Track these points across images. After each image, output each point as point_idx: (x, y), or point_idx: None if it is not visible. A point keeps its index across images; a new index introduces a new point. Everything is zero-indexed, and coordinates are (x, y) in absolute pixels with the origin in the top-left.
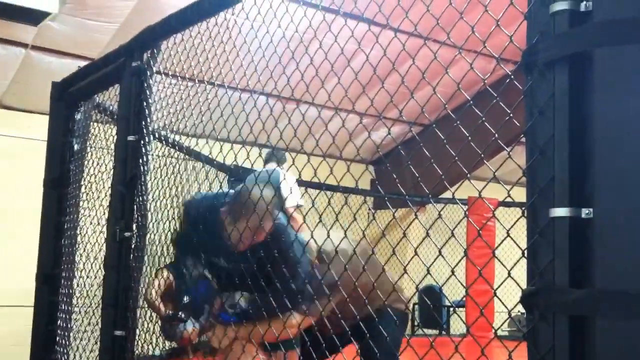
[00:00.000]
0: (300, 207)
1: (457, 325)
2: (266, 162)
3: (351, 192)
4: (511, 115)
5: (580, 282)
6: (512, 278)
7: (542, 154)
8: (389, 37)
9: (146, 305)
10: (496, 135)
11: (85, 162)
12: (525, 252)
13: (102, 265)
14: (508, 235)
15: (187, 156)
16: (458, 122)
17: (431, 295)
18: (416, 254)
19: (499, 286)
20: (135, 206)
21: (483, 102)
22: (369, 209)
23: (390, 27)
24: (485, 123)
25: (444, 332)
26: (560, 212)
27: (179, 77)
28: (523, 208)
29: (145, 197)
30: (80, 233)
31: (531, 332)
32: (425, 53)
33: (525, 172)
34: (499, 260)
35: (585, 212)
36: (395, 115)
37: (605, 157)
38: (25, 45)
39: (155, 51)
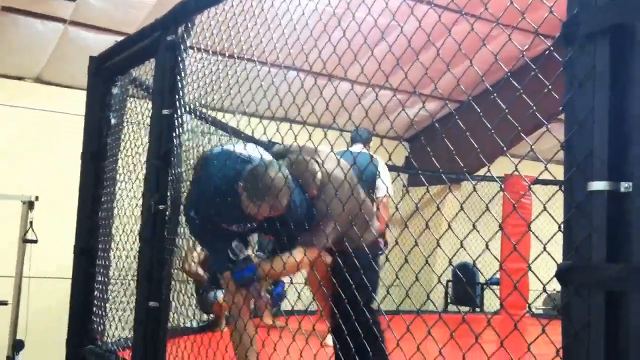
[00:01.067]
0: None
1: (490, 303)
2: (353, 142)
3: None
4: (550, 88)
5: (617, 258)
6: (548, 253)
7: (581, 127)
8: (423, 11)
9: (184, 276)
10: (534, 107)
11: (122, 136)
12: (562, 226)
13: (137, 238)
14: (544, 209)
15: (223, 132)
16: (495, 95)
17: (465, 273)
18: (449, 227)
19: (532, 261)
20: (169, 179)
21: (520, 79)
22: (403, 185)
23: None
24: (523, 95)
25: (477, 310)
26: (598, 185)
27: (212, 52)
28: (560, 184)
29: (179, 170)
30: (116, 206)
31: (566, 308)
32: (460, 30)
33: (563, 146)
34: (535, 235)
35: (624, 186)
36: (430, 91)
37: None
38: (63, 21)
39: (189, 25)
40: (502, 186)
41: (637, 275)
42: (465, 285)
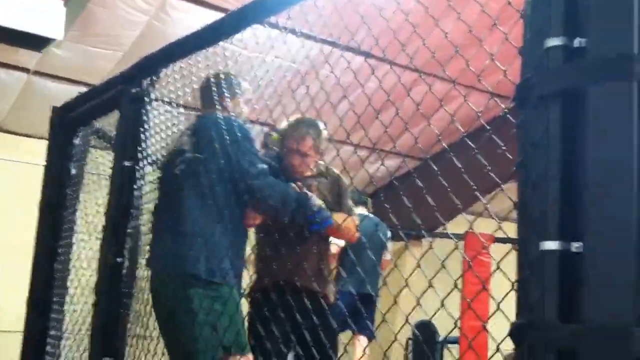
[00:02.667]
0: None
1: None
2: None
3: None
4: (504, 149)
5: (569, 317)
6: (502, 312)
7: (534, 188)
8: (388, 70)
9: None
10: (489, 168)
11: (81, 187)
12: (515, 285)
13: (92, 291)
14: (498, 267)
15: None
16: (451, 154)
17: (425, 331)
18: (407, 285)
19: (488, 319)
20: (128, 232)
21: (481, 139)
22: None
23: (388, 60)
24: (478, 156)
25: None
26: (550, 245)
27: (177, 105)
28: (514, 243)
29: (138, 223)
30: (73, 258)
31: None
32: (422, 88)
33: (517, 205)
34: (490, 295)
35: (575, 246)
36: (390, 148)
37: (596, 192)
38: (27, 70)
39: (154, 78)
40: (457, 244)
41: (588, 335)
42: (424, 344)
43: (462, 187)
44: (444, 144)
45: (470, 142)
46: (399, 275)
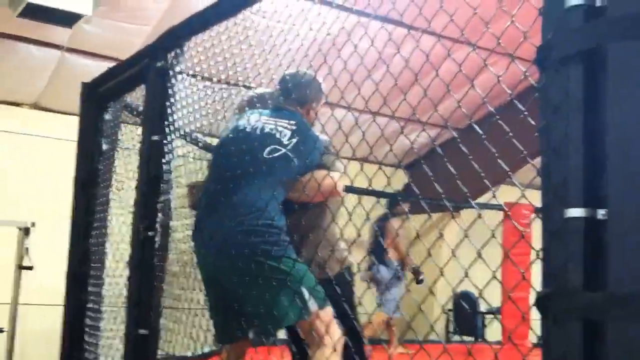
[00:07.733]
0: None
1: (491, 332)
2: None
3: (385, 196)
4: (526, 114)
5: (594, 285)
6: (526, 280)
7: (556, 153)
8: (411, 40)
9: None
10: (537, 134)
11: (114, 162)
12: (540, 254)
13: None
14: (522, 237)
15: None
16: (497, 117)
17: (466, 302)
18: (453, 255)
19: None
20: (158, 205)
21: (525, 105)
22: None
23: (411, 27)
24: (530, 119)
25: (480, 339)
26: (575, 212)
27: (206, 78)
28: (538, 211)
29: (169, 197)
30: (108, 232)
31: (546, 337)
32: (456, 58)
33: (539, 172)
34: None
35: (601, 213)
36: (426, 119)
37: (620, 156)
38: (60, 47)
39: (178, 51)
40: (509, 213)
41: (613, 302)
42: (467, 315)
43: (495, 160)
44: (490, 108)
45: (498, 121)
46: (439, 248)
